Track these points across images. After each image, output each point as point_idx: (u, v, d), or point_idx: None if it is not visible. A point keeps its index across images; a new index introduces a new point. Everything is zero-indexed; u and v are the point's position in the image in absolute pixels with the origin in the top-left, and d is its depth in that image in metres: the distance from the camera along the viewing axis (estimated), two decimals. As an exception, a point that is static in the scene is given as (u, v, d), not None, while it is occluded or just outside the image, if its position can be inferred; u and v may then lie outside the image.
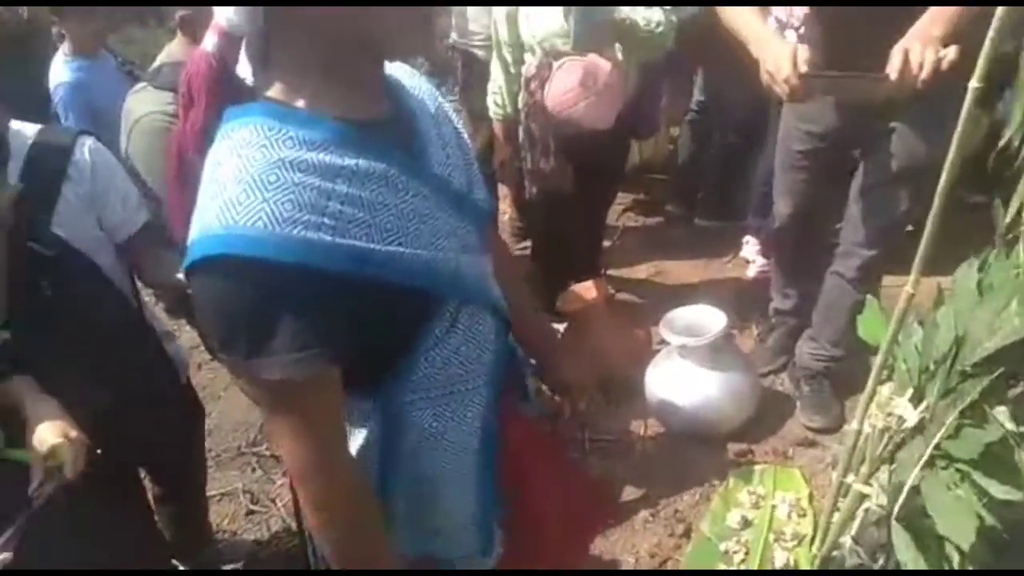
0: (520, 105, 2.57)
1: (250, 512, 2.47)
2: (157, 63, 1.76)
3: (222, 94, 0.88)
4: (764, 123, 2.90)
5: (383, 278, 0.84)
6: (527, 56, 2.52)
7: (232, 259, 0.76)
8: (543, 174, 2.59)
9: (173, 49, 1.75)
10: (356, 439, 1.01)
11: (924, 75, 1.54)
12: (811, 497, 2.17)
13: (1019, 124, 1.27)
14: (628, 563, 2.09)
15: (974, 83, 1.20)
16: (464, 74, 3.06)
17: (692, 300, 2.72)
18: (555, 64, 2.40)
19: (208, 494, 2.25)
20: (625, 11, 2.28)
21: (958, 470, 1.44)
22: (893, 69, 1.56)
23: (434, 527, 1.09)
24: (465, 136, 1.06)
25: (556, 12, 2.39)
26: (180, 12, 1.65)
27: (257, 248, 0.76)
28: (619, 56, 2.38)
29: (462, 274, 0.96)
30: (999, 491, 1.36)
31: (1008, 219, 1.29)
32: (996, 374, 1.35)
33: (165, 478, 1.97)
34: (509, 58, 2.56)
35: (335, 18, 0.80)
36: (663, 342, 2.51)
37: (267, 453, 2.67)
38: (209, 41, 0.88)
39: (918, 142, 1.92)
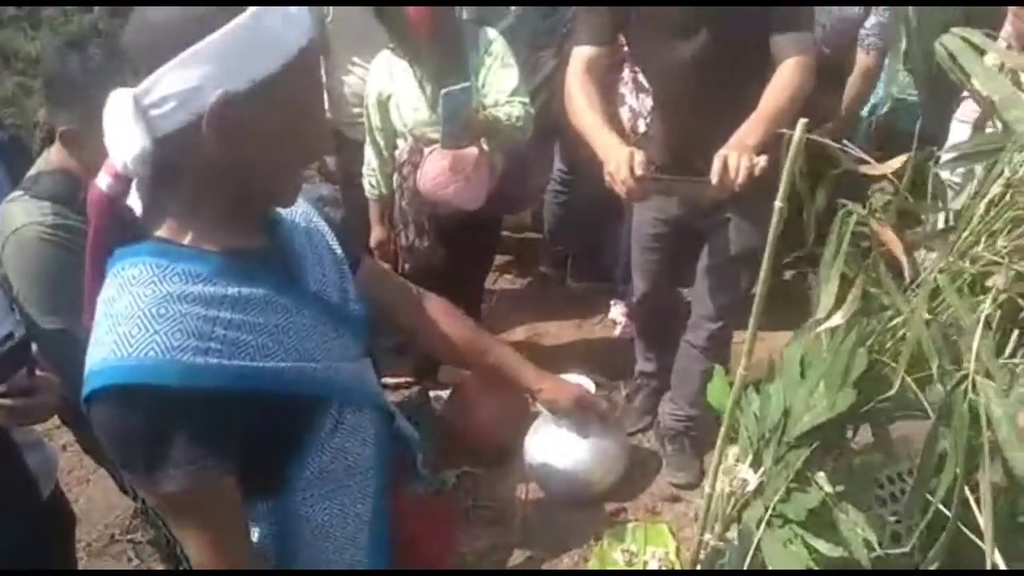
0: (394, 187, 2.71)
1: None
2: (34, 171, 1.75)
3: (112, 231, 0.95)
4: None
5: (268, 392, 0.93)
6: (399, 141, 2.66)
7: (127, 388, 0.84)
8: (418, 252, 2.73)
9: (51, 157, 1.75)
10: (253, 536, 1.07)
11: (740, 180, 1.76)
12: (678, 550, 2.37)
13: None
14: (515, 627, 2.20)
15: (778, 203, 1.44)
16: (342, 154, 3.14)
17: (566, 363, 2.92)
18: (426, 150, 2.56)
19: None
20: (489, 110, 2.47)
21: (791, 529, 1.65)
22: (714, 174, 1.77)
23: None
24: (339, 251, 1.16)
25: (423, 103, 2.54)
26: (64, 127, 1.65)
27: (149, 376, 0.84)
28: (484, 147, 2.56)
29: (342, 380, 1.06)
30: (824, 548, 1.57)
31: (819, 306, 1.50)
32: (814, 446, 1.56)
33: None
34: (382, 143, 2.70)
35: (217, 177, 0.90)
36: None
37: (142, 539, 2.60)
38: (103, 181, 0.95)
39: (750, 229, 2.19)
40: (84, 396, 0.87)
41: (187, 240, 0.93)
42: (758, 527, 1.70)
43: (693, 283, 2.50)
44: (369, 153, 2.75)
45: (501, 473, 2.76)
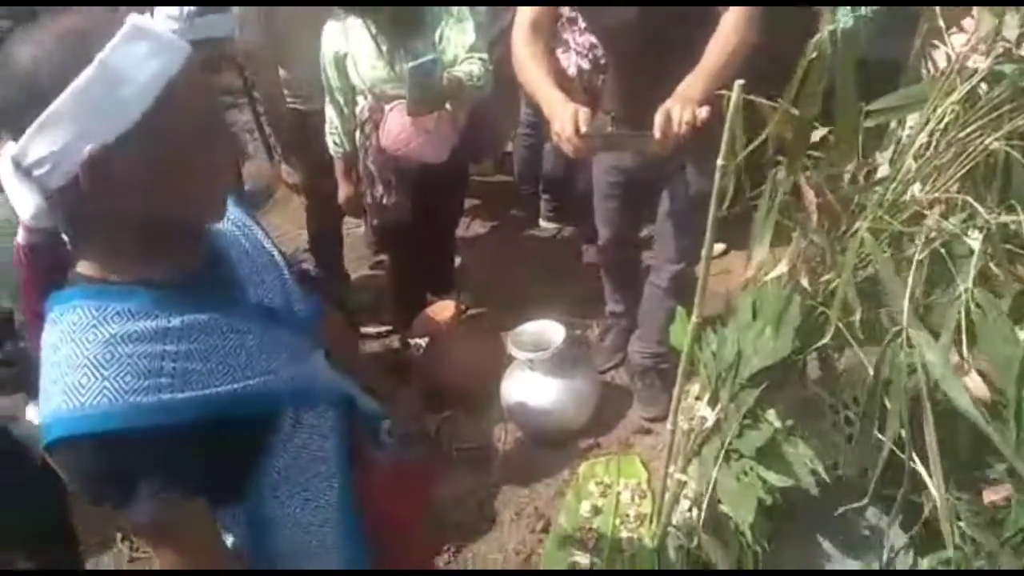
0: (357, 145, 2.73)
1: (133, 560, 2.51)
2: None
3: (40, 278, 0.97)
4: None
5: (224, 416, 0.93)
6: (359, 99, 2.67)
7: (83, 438, 0.85)
8: (385, 208, 2.76)
9: None
10: (227, 542, 1.09)
11: (682, 132, 1.79)
12: (650, 480, 2.51)
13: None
14: (498, 561, 2.34)
15: (720, 161, 1.50)
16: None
17: (540, 307, 3.00)
18: (386, 107, 2.57)
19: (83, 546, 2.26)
20: (449, 71, 2.47)
21: (745, 463, 1.76)
22: (657, 128, 1.80)
23: None
24: (276, 255, 1.14)
25: (381, 61, 2.54)
26: None
27: (103, 423, 0.85)
28: (447, 107, 2.57)
29: (295, 386, 1.04)
30: (775, 479, 1.69)
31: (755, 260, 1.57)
32: (764, 385, 1.66)
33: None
34: (341, 100, 2.69)
35: (122, 219, 0.88)
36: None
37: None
38: (20, 235, 0.96)
39: (701, 176, 2.26)
40: (44, 446, 0.88)
41: (118, 276, 0.92)
42: (715, 463, 1.81)
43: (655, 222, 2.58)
44: (330, 111, 2.75)
45: (480, 416, 2.88)
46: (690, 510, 1.87)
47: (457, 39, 2.51)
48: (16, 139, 0.83)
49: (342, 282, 3.61)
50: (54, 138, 0.81)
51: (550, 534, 2.38)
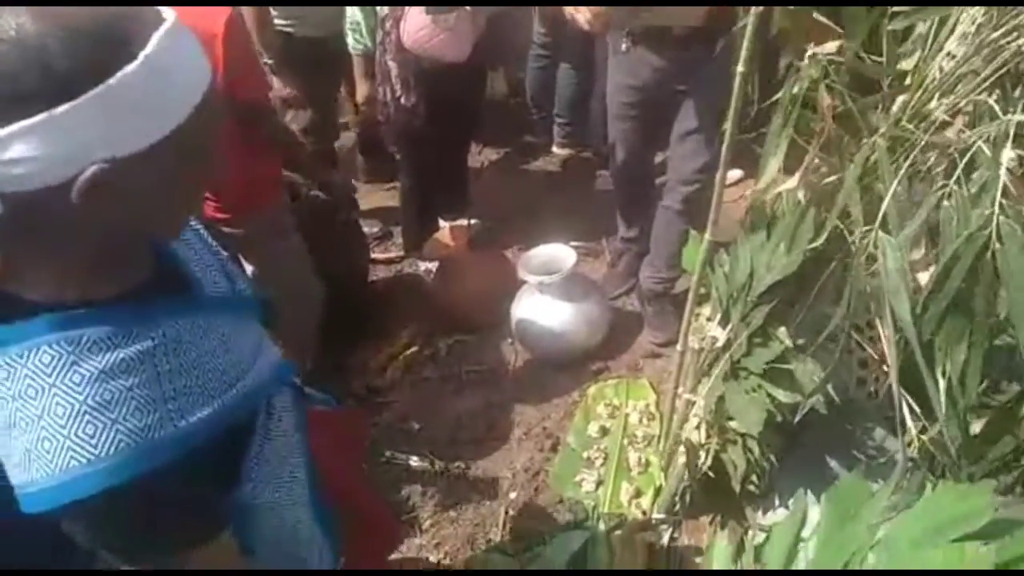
0: (377, 42, 2.68)
1: None
2: None
3: None
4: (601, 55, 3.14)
5: (227, 424, 0.86)
6: None
7: (115, 491, 0.74)
8: (400, 109, 2.72)
9: None
10: None
11: None
12: (658, 403, 2.52)
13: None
14: (507, 478, 2.38)
15: (740, 67, 1.45)
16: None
17: (552, 230, 2.99)
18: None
19: None
20: None
21: (754, 380, 1.76)
22: None
23: (298, 560, 1.16)
24: (203, 232, 1.04)
25: None
26: None
27: (131, 471, 0.75)
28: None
29: (265, 373, 0.97)
30: (783, 396, 1.69)
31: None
32: (774, 303, 1.65)
33: None
34: None
35: (91, 235, 0.77)
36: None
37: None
38: None
39: (712, 97, 2.21)
40: (50, 511, 0.75)
41: (73, 296, 0.78)
42: (725, 380, 1.82)
43: (666, 150, 2.54)
44: (352, 8, 2.69)
45: (490, 339, 2.89)
46: (698, 427, 1.88)
47: None
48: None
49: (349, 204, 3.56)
50: (57, 140, 0.67)
51: (558, 453, 2.41)
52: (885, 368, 1.89)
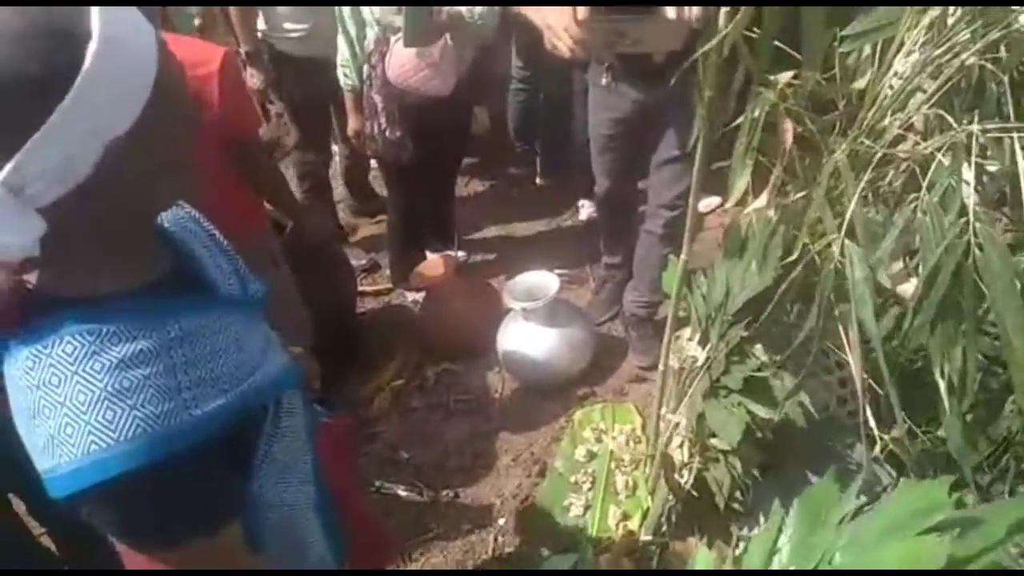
0: (364, 78, 2.74)
1: None
2: None
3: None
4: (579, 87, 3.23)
5: (238, 418, 0.89)
6: (368, 31, 2.66)
7: (130, 474, 0.77)
8: (387, 142, 2.77)
9: None
10: None
11: (696, 13, 1.76)
12: (644, 426, 2.54)
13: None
14: (496, 504, 2.39)
15: (708, 92, 1.51)
16: (274, 68, 3.15)
17: (535, 259, 3.03)
18: (392, 38, 2.57)
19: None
20: (448, 8, 2.48)
21: (734, 398, 1.79)
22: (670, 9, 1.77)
23: (305, 564, 1.18)
24: (216, 233, 1.09)
25: None
26: None
27: (151, 453, 0.78)
28: (449, 41, 2.58)
29: (275, 372, 1.00)
30: (761, 411, 1.72)
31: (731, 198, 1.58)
32: (747, 320, 1.69)
33: None
34: (353, 33, 2.69)
35: (104, 225, 0.81)
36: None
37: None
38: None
39: (690, 124, 2.27)
40: (70, 495, 0.78)
41: (96, 290, 0.83)
42: (704, 399, 1.85)
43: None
44: (341, 44, 2.75)
45: (477, 367, 2.92)
46: (680, 446, 1.91)
47: None
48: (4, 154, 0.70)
49: (336, 235, 3.60)
50: (65, 141, 0.70)
51: (546, 478, 2.43)
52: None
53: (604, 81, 2.40)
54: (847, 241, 1.08)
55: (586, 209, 3.71)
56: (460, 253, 3.44)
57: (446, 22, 2.49)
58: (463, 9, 2.49)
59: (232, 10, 3.01)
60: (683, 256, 1.78)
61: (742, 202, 1.58)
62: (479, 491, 2.45)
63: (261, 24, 3.04)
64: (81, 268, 0.83)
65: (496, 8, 2.60)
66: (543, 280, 2.72)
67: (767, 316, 1.71)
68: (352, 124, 2.92)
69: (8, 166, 0.69)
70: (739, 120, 1.40)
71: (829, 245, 1.10)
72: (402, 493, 2.44)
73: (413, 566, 2.23)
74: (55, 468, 0.78)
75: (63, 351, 0.79)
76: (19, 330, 0.81)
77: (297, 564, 1.16)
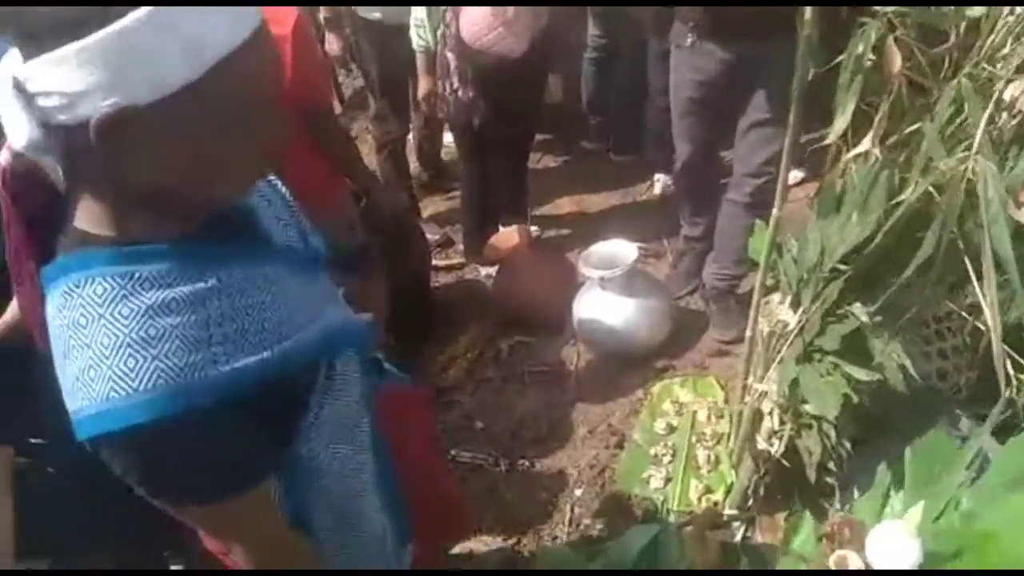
0: (438, 37, 2.72)
1: None
2: None
3: (23, 212, 0.81)
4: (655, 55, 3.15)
5: (276, 376, 0.85)
6: None
7: (148, 426, 0.74)
8: (460, 103, 2.74)
9: None
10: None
11: None
12: (727, 399, 2.45)
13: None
14: (572, 475, 2.34)
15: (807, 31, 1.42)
16: (353, 34, 3.14)
17: (612, 233, 2.95)
18: None
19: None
20: None
21: (829, 361, 1.69)
22: None
23: (358, 542, 1.13)
24: (280, 185, 1.04)
25: None
26: None
27: (169, 407, 0.75)
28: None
29: (330, 331, 0.96)
30: (861, 374, 1.62)
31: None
32: (847, 275, 1.59)
33: None
34: None
35: (132, 181, 0.76)
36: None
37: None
38: (2, 156, 0.79)
39: (782, 86, 2.16)
40: (90, 439, 0.77)
41: (133, 233, 0.79)
42: (797, 363, 1.75)
43: (733, 144, 2.49)
44: (417, 8, 2.74)
45: (551, 340, 2.87)
46: (771, 413, 1.82)
47: None
48: (23, 52, 0.68)
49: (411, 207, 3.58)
50: (73, 77, 0.67)
51: (624, 449, 2.36)
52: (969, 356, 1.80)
53: (689, 40, 2.31)
54: (979, 158, 0.98)
55: (662, 183, 3.61)
56: (533, 228, 3.39)
57: None
58: None
59: None
60: (775, 211, 1.68)
61: (836, 157, 1.49)
62: (554, 461, 2.40)
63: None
64: (108, 210, 0.78)
65: None
66: (621, 249, 2.65)
67: (868, 269, 1.61)
68: (424, 86, 2.89)
69: (23, 65, 0.68)
70: (839, 59, 1.31)
71: (962, 165, 0.99)
72: (476, 461, 2.41)
73: (486, 536, 2.19)
74: (79, 411, 0.76)
75: (93, 291, 0.76)
76: (56, 262, 0.78)
77: (349, 536, 1.11)
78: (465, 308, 3.14)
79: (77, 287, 0.76)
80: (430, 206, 3.87)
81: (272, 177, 1.02)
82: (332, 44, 3.06)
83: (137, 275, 0.77)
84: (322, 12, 3.01)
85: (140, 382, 0.74)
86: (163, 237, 0.79)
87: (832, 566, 1.08)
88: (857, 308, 1.63)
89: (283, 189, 1.04)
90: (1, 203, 0.81)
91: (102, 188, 0.78)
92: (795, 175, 3.32)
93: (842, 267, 1.62)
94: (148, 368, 0.75)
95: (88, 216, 0.79)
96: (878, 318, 1.62)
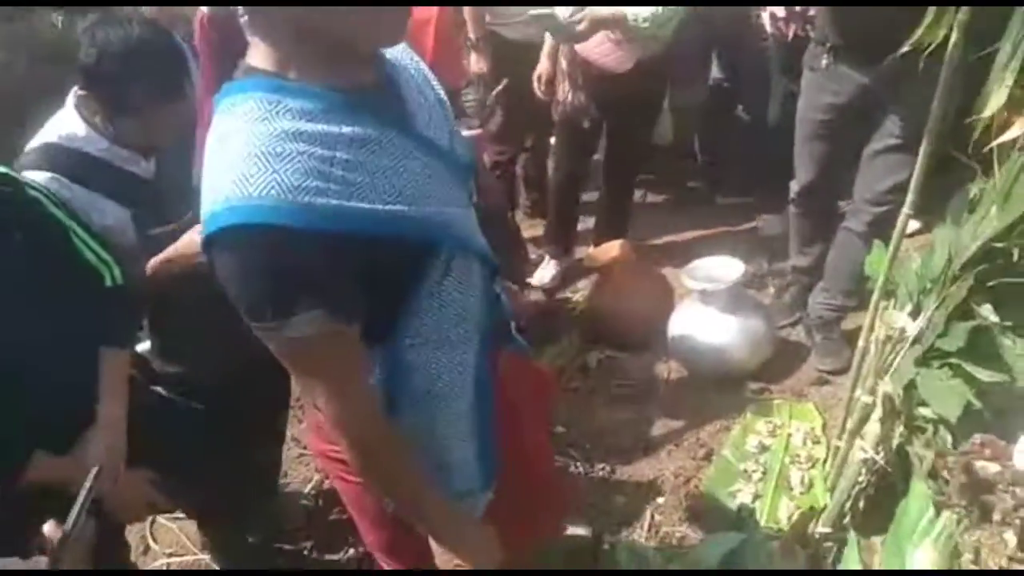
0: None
1: (301, 456, 2.57)
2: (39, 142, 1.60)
3: (216, 56, 0.96)
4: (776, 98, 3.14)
5: (385, 235, 0.90)
6: None
7: (250, 228, 0.81)
8: (567, 104, 2.83)
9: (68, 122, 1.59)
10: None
11: None
12: (824, 427, 2.35)
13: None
14: (655, 483, 2.27)
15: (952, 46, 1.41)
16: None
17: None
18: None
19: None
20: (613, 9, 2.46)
21: (950, 364, 1.62)
22: None
23: (439, 462, 1.15)
24: (441, 94, 1.10)
25: None
26: (80, 91, 1.55)
27: (271, 216, 0.81)
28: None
29: (453, 226, 1.01)
30: (985, 375, 1.54)
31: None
32: (977, 270, 1.53)
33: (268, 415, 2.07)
34: None
35: (304, 18, 0.84)
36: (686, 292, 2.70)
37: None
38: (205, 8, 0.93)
39: (916, 111, 2.12)
40: (205, 237, 0.85)
41: (293, 75, 0.88)
42: (916, 367, 1.68)
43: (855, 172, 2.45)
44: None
45: (642, 356, 2.83)
46: (880, 419, 1.74)
47: None
48: None
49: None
50: None
51: (712, 462, 2.29)
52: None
53: (824, 62, 2.30)
54: None
55: (767, 225, 3.55)
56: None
57: (607, 18, 2.46)
58: (626, 10, 2.44)
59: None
60: (904, 210, 1.64)
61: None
62: (638, 469, 2.35)
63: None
64: (273, 47, 0.88)
65: (673, 20, 2.55)
66: (725, 266, 2.61)
67: (997, 267, 1.55)
68: (541, 66, 2.92)
69: None
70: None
71: None
72: (557, 463, 2.37)
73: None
74: (207, 212, 0.84)
75: (244, 108, 0.86)
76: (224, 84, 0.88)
77: (430, 445, 1.13)
78: (552, 323, 3.12)
79: (233, 105, 0.87)
80: (529, 229, 3.90)
81: (433, 81, 1.09)
82: (480, 64, 3.16)
83: (283, 104, 0.86)
84: (472, 34, 3.11)
85: (256, 188, 0.82)
86: (316, 82, 0.88)
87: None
88: (986, 308, 1.57)
89: (442, 94, 1.10)
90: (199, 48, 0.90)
91: (274, 30, 0.87)
92: (913, 224, 3.21)
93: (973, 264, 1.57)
94: (266, 178, 0.82)
95: (257, 54, 0.89)
96: (1008, 322, 1.55)
